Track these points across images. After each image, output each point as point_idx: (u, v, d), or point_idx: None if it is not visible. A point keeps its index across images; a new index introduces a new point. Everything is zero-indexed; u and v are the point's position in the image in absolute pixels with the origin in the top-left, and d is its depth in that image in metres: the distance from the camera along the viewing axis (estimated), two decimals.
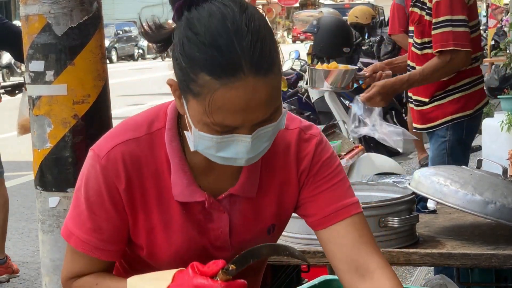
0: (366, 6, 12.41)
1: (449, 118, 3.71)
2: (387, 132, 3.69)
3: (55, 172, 2.12)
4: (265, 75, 1.40)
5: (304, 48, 10.51)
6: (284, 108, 1.53)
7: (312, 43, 8.30)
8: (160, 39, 1.54)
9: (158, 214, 1.61)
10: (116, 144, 1.59)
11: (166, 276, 1.55)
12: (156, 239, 1.63)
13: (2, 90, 5.60)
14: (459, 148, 3.74)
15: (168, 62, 1.52)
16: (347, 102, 7.64)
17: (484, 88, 3.85)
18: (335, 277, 1.80)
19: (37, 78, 2.11)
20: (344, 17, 9.36)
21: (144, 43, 34.69)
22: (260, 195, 1.66)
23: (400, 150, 4.26)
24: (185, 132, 1.54)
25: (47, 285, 2.17)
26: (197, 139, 1.48)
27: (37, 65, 2.10)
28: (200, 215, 1.62)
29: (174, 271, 1.55)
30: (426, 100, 3.76)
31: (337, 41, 7.33)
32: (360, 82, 4.85)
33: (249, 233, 1.66)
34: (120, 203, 1.59)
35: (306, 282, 1.74)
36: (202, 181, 1.62)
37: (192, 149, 1.51)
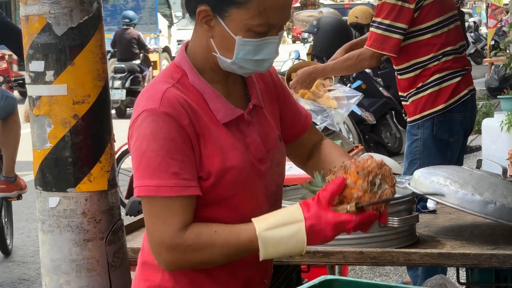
0: (366, 6, 12.39)
1: (418, 116, 3.81)
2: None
3: (55, 172, 2.11)
4: None
5: (304, 48, 10.51)
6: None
7: (312, 43, 8.30)
8: None
9: (212, 141, 1.80)
10: (162, 92, 1.77)
11: (293, 213, 1.71)
12: (218, 164, 1.79)
13: (15, 83, 5.89)
14: (432, 145, 3.80)
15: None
16: None
17: (474, 80, 3.95)
18: (335, 277, 1.80)
19: (37, 78, 2.11)
20: (344, 17, 9.37)
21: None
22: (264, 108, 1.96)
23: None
24: (214, 54, 1.82)
25: (47, 285, 2.17)
26: (239, 47, 1.78)
27: (37, 65, 2.10)
28: (238, 134, 1.85)
29: (297, 207, 1.71)
30: (405, 95, 3.89)
31: (337, 41, 7.34)
32: (359, 82, 4.88)
33: (271, 141, 1.93)
34: (188, 138, 1.76)
35: (306, 282, 1.74)
36: None
37: (230, 61, 1.80)
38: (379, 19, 3.77)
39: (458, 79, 3.78)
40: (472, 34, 18.27)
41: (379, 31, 3.76)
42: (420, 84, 3.79)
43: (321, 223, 1.68)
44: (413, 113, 3.84)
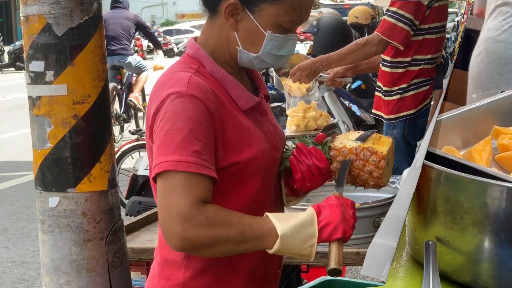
0: (366, 6, 12.39)
1: (393, 116, 3.88)
2: None
3: (55, 172, 2.12)
4: None
5: (304, 48, 10.51)
6: None
7: (312, 43, 8.30)
8: None
9: (238, 127, 1.80)
10: (188, 77, 1.76)
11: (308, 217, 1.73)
12: (245, 150, 1.79)
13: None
14: (402, 146, 3.91)
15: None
16: (347, 103, 7.65)
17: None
18: (335, 277, 1.80)
19: (37, 78, 2.11)
20: (344, 17, 9.36)
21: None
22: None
23: None
24: (237, 47, 1.84)
25: (47, 285, 2.17)
26: (267, 42, 1.82)
27: (37, 66, 2.11)
28: (256, 122, 1.88)
29: (311, 212, 1.73)
30: (384, 89, 3.93)
31: (337, 41, 7.33)
32: (359, 82, 4.84)
33: (279, 130, 1.98)
34: (212, 124, 1.74)
35: (306, 283, 1.75)
36: None
37: (255, 55, 1.83)
38: (393, 8, 3.79)
39: (427, 87, 3.91)
40: None
41: (392, 20, 3.77)
42: (404, 85, 3.87)
43: (333, 221, 1.74)
44: (390, 112, 3.92)
